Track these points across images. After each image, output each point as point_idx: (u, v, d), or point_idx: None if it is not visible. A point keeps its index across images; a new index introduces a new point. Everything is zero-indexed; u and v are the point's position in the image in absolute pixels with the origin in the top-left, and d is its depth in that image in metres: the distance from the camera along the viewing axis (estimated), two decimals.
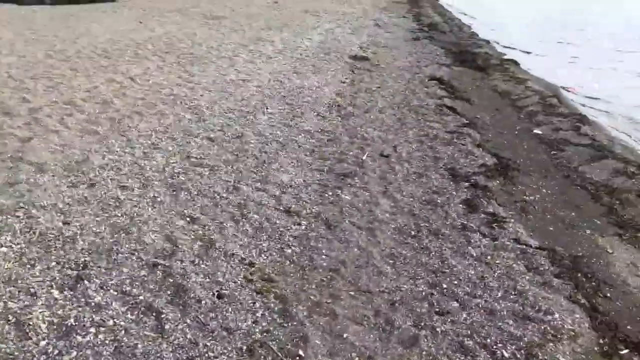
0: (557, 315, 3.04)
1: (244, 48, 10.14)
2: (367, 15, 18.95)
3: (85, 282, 3.05)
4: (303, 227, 3.81)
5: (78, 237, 3.47)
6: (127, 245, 3.42)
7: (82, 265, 3.20)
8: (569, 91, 9.64)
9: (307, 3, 22.22)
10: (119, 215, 3.79)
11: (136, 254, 3.35)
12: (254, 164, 4.83)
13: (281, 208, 4.05)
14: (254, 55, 9.56)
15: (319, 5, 21.56)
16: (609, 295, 3.34)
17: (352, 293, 3.15)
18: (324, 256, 3.48)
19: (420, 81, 8.61)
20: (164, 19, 13.50)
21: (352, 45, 11.56)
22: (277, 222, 3.85)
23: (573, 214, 4.37)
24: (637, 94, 9.42)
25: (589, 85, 10.08)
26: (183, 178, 4.46)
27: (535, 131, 6.62)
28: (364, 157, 5.11)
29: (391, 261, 3.49)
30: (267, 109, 6.43)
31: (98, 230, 3.57)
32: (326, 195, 4.33)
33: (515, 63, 11.90)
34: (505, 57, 12.59)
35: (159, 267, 3.24)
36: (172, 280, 3.13)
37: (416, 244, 3.70)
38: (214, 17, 14.45)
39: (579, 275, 3.50)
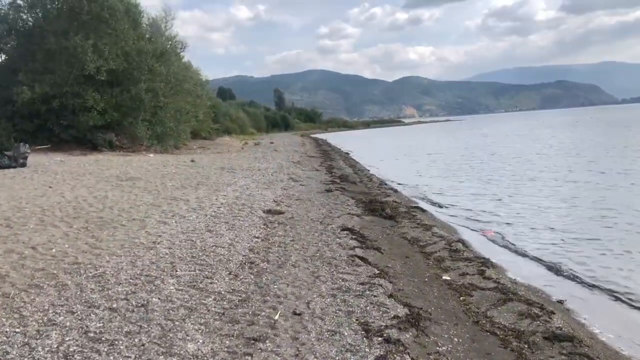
0: None
1: (157, 209, 10.14)
2: (282, 169, 19.94)
3: None
4: None
5: None
6: None
7: None
8: (484, 235, 10.25)
9: (224, 160, 23.17)
10: None
11: None
12: (159, 334, 4.55)
13: None
14: (167, 215, 9.56)
15: (236, 162, 22.52)
16: None
17: None
18: None
19: (333, 232, 8.89)
20: (75, 182, 13.40)
21: (267, 200, 11.94)
22: None
23: None
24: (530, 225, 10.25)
25: (494, 227, 10.89)
26: (78, 358, 4.09)
27: (443, 277, 6.89)
28: (276, 317, 5.00)
29: None
30: (176, 271, 6.27)
31: None
32: None
33: (422, 210, 12.75)
34: (413, 205, 13.51)
35: None
36: None
37: None
38: (128, 178, 14.56)
39: None
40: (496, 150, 33.86)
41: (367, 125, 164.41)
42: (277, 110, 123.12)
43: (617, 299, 6.63)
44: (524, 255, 8.77)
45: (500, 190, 15.91)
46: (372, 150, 44.27)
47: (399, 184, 18.92)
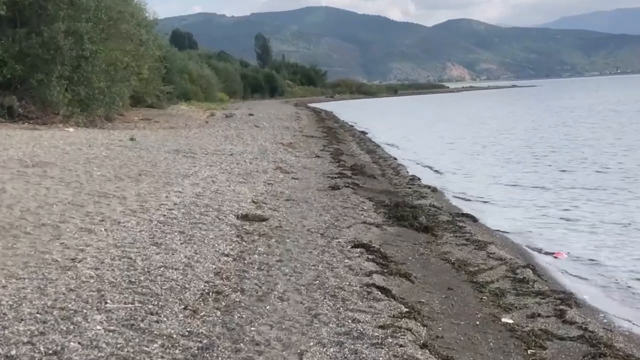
0: None
1: (78, 210, 10.17)
2: (266, 155, 20.03)
3: None
4: None
5: None
6: None
7: None
8: (554, 257, 10.32)
9: (180, 140, 23.24)
10: None
11: None
12: None
13: None
14: (93, 220, 9.58)
15: (197, 142, 22.60)
16: None
17: None
18: None
19: (340, 249, 8.92)
20: None
21: (242, 200, 12.02)
22: None
23: None
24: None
25: (573, 245, 10.96)
26: None
27: (503, 320, 6.91)
28: None
29: None
30: (105, 303, 6.29)
31: None
32: None
33: (473, 219, 12.82)
34: (459, 211, 13.57)
35: None
36: None
37: None
38: (36, 163, 14.59)
39: None
40: (581, 134, 33.95)
41: (393, 91, 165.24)
42: (260, 66, 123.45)
43: None
44: (620, 288, 8.80)
45: (584, 196, 15.98)
46: (399, 128, 44.40)
47: (439, 178, 19.00)
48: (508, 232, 12.22)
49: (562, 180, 18.31)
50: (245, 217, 10.53)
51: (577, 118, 46.85)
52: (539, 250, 10.91)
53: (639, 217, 13.20)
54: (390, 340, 5.80)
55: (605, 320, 7.35)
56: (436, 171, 21.46)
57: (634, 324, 7.38)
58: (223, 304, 6.55)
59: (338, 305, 6.67)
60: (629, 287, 8.80)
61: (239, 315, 6.26)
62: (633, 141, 28.19)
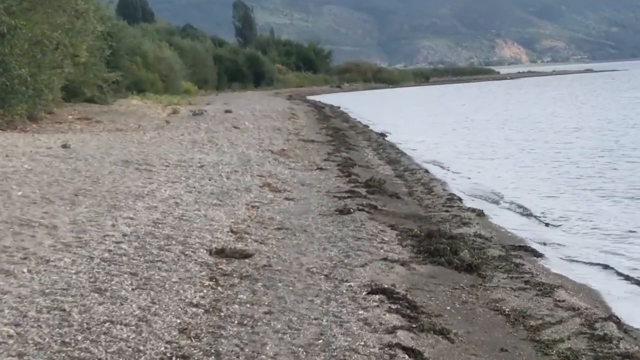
0: None
1: None
2: (250, 166, 20.07)
3: None
4: None
5: None
6: None
7: None
8: None
9: (131, 147, 23.25)
10: None
11: None
12: None
13: None
14: (12, 257, 9.56)
15: (154, 150, 22.60)
16: None
17: None
18: None
19: (352, 297, 8.91)
20: None
21: (217, 229, 12.08)
22: None
23: None
24: None
25: None
26: None
27: None
28: None
29: None
30: None
31: None
32: None
33: (535, 253, 12.82)
34: (515, 243, 13.55)
35: None
36: None
37: None
38: None
39: None
40: None
41: (424, 78, 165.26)
42: (241, 45, 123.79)
43: None
44: None
45: None
46: (432, 130, 44.44)
47: (489, 200, 18.99)
48: (587, 271, 12.17)
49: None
50: (221, 253, 10.52)
51: None
52: (626, 297, 10.86)
53: None
54: None
55: None
56: (482, 187, 21.44)
57: None
58: None
59: None
60: None
61: None
62: None
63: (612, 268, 12.29)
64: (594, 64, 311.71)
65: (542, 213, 17.07)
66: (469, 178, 23.21)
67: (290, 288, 9.16)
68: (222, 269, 9.79)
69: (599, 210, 17.51)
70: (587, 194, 19.68)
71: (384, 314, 8.29)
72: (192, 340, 7.24)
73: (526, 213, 17.29)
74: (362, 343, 7.37)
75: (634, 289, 11.18)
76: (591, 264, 12.64)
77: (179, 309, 8.08)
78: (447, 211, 16.46)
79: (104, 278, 8.99)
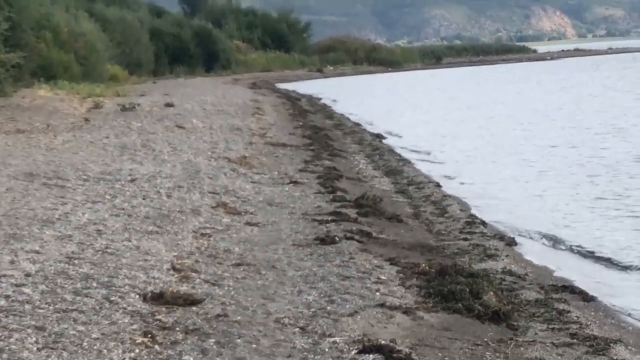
0: None
1: None
2: (199, 180, 20.08)
3: None
4: None
5: None
6: None
7: None
8: None
9: (35, 154, 23.20)
10: None
11: None
12: None
13: None
14: None
15: (69, 158, 22.55)
16: None
17: None
18: None
19: (337, 357, 8.87)
20: None
21: (155, 265, 12.04)
22: None
23: None
24: None
25: None
26: None
27: None
28: None
29: None
30: None
31: None
32: None
33: (583, 296, 12.84)
34: (554, 283, 13.57)
35: None
36: None
37: None
38: None
39: None
40: None
41: (435, 58, 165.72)
42: (187, 14, 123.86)
43: None
44: None
45: None
46: (445, 130, 44.45)
47: (520, 226, 18.98)
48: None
49: None
50: (159, 299, 10.46)
51: None
52: None
53: None
54: None
55: None
56: (509, 209, 21.39)
57: None
58: None
59: None
60: None
61: None
62: None
63: None
64: None
65: (584, 239, 17.06)
66: (504, 204, 23.06)
67: (254, 346, 9.06)
68: (160, 320, 9.68)
69: None
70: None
71: None
72: None
73: (568, 243, 17.21)
74: None
75: None
76: None
77: None
78: (465, 239, 16.36)
79: None
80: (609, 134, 37.40)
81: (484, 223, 18.22)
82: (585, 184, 24.97)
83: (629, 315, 12.27)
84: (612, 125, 41.13)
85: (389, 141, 36.30)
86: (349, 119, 47.99)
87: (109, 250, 12.73)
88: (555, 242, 17.05)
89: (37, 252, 12.29)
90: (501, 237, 16.81)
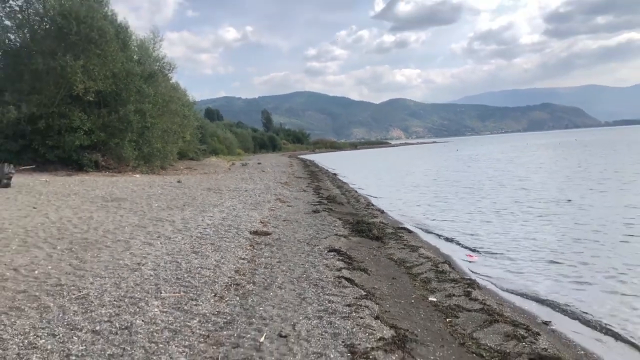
0: None
1: (142, 230, 10.06)
2: (269, 190, 19.92)
3: None
4: None
5: None
6: None
7: None
8: (470, 261, 10.05)
9: (211, 181, 23.13)
10: None
11: None
12: (142, 357, 4.49)
13: None
14: (152, 236, 9.48)
15: (223, 183, 22.48)
16: None
17: None
18: None
19: (320, 253, 8.87)
20: (60, 203, 13.26)
21: (254, 221, 11.90)
22: None
23: None
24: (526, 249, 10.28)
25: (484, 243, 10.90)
26: None
27: (430, 299, 6.90)
28: (261, 340, 4.96)
29: None
30: (160, 293, 6.21)
31: None
32: None
33: (409, 231, 12.78)
34: (400, 226, 13.52)
35: None
36: None
37: None
38: (114, 199, 14.45)
39: None
40: (484, 171, 33.98)
41: (354, 146, 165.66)
42: (265, 131, 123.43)
43: (602, 322, 6.66)
44: (509, 277, 8.78)
45: (489, 214, 15.66)
46: (359, 171, 44.34)
47: (386, 205, 18.90)
48: (436, 240, 11.98)
49: (477, 207, 18.09)
50: (255, 233, 10.48)
51: (475, 161, 46.79)
52: (457, 252, 10.72)
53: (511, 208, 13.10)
54: (354, 314, 5.78)
55: (498, 298, 7.36)
56: (384, 199, 21.13)
57: (517, 301, 7.39)
58: (241, 292, 6.50)
59: (319, 291, 6.63)
60: (520, 277, 8.70)
61: (251, 299, 6.21)
62: (503, 179, 28.13)
63: (449, 238, 12.11)
64: (436, 139, 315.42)
65: (415, 210, 16.91)
66: (381, 198, 22.86)
67: (289, 249, 9.10)
68: (256, 240, 9.70)
69: (447, 209, 17.05)
70: (440, 202, 19.34)
71: (336, 262, 8.27)
72: (241, 276, 7.20)
73: (406, 211, 16.90)
74: (325, 276, 7.36)
75: (457, 248, 11.15)
76: (439, 236, 12.51)
77: (235, 261, 8.03)
78: (366, 210, 16.27)
79: (198, 246, 8.91)
80: (447, 172, 36.75)
81: (373, 205, 18.08)
82: (450, 197, 24.51)
83: (427, 238, 12.19)
84: (449, 175, 40.50)
85: (341, 177, 35.94)
86: (325, 168, 47.64)
87: (237, 216, 12.67)
88: (402, 212, 16.72)
89: (211, 217, 12.25)
90: (379, 209, 16.73)
